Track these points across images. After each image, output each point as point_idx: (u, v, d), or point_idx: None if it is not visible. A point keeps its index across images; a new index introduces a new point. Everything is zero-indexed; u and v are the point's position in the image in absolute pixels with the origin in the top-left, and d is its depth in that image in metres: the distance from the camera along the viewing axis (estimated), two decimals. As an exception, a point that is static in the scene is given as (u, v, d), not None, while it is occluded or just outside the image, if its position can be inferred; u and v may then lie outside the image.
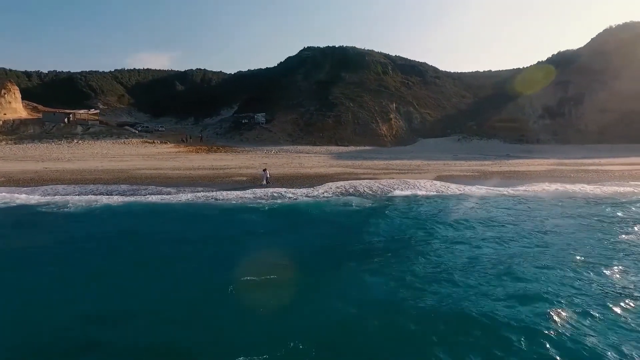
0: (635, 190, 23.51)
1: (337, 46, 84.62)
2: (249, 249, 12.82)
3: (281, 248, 12.45)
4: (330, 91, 66.65)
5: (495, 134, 59.93)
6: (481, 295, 9.00)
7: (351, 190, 22.51)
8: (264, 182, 24.65)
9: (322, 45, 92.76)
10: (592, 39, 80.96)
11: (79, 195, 20.32)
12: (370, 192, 22.45)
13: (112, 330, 7.77)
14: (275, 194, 21.33)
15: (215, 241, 13.73)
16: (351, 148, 54.18)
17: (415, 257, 11.75)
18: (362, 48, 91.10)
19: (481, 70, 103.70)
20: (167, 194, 20.84)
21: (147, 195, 20.47)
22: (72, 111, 59.56)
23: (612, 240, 13.50)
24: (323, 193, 21.86)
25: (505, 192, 22.92)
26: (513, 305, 8.51)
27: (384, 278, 10.20)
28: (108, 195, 20.48)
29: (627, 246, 12.80)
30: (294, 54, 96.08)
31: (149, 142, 48.99)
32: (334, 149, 52.13)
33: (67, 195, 20.27)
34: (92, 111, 67.61)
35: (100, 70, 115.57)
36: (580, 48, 79.97)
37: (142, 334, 7.63)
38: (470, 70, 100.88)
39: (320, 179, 27.02)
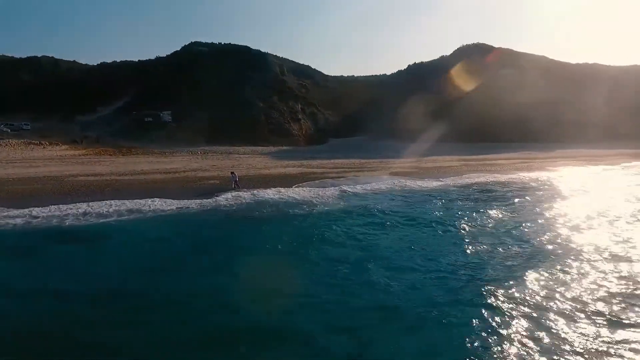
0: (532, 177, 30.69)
1: (238, 44, 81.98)
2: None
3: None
4: (240, 91, 64.59)
5: (392, 135, 67.48)
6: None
7: (349, 190, 23.33)
8: (233, 185, 23.59)
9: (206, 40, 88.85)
10: (448, 55, 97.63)
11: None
12: (367, 190, 23.72)
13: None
14: (295, 198, 20.89)
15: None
16: (272, 148, 54.07)
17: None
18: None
19: (345, 75, 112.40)
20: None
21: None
22: None
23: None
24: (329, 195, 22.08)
25: (460, 183, 27.31)
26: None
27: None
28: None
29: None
30: (178, 48, 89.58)
31: (34, 144, 39.62)
32: (258, 149, 51.27)
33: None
34: None
35: None
36: (438, 60, 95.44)
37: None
38: (337, 75, 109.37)
39: (291, 179, 27.05)
